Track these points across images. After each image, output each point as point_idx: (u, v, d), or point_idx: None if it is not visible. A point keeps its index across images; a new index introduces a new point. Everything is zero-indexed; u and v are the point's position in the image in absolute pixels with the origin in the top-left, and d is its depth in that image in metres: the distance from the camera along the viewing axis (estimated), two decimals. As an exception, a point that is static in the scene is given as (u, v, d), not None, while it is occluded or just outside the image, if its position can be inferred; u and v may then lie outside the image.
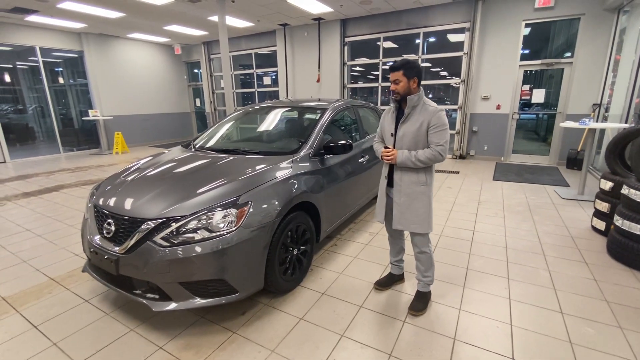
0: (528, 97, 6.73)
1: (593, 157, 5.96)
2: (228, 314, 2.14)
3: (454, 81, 7.48)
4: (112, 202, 2.11)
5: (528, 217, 3.84)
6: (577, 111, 6.21)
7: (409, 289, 2.43)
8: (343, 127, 3.57)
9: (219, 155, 2.68)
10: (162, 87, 10.88)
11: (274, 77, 9.96)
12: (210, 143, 3.13)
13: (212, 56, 10.79)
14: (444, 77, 8.28)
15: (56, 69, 8.94)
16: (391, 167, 2.13)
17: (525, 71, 6.68)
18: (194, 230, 1.85)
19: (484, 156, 7.29)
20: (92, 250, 2.03)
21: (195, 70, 11.78)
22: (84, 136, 9.54)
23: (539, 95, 6.60)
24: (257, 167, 2.34)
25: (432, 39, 7.48)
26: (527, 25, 6.46)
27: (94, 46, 8.93)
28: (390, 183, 2.16)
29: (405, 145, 2.03)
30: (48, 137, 8.87)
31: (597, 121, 5.88)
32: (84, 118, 9.19)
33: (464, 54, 6.97)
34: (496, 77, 6.80)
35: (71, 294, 2.41)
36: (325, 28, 8.24)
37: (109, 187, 2.32)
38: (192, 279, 1.83)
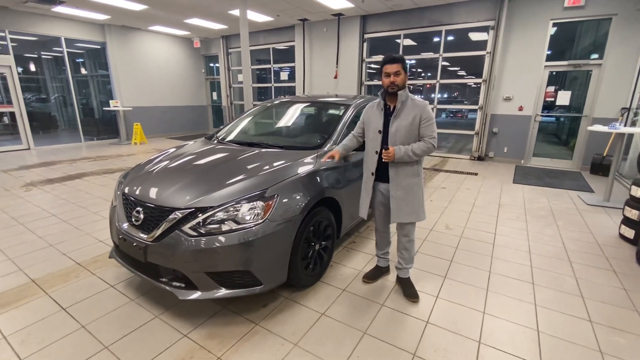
0: (552, 99, 6.54)
1: (619, 163, 5.76)
2: (250, 306, 2.16)
3: (474, 81, 7.32)
4: (141, 190, 2.14)
5: (551, 222, 3.74)
6: (605, 115, 6.00)
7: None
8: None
9: (244, 148, 2.69)
10: (180, 80, 11.02)
11: (289, 72, 9.96)
12: (234, 136, 3.14)
13: (230, 50, 10.85)
14: (461, 77, 8.13)
15: (78, 60, 9.14)
16: (381, 164, 2.15)
17: (550, 72, 6.49)
18: (222, 222, 1.86)
19: (503, 158, 7.13)
20: (120, 237, 2.07)
21: (211, 65, 11.86)
22: (104, 126, 9.75)
23: (564, 98, 6.41)
24: (282, 161, 2.34)
25: (452, 38, 7.33)
26: (554, 25, 6.27)
27: (116, 38, 9.09)
28: (380, 178, 2.19)
29: (399, 141, 2.07)
30: (70, 126, 9.11)
31: (625, 126, 5.67)
32: (104, 108, 9.39)
33: (487, 52, 6.82)
34: (519, 77, 6.62)
35: (97, 279, 2.47)
36: (345, 24, 8.17)
37: (137, 176, 2.35)
38: (218, 269, 1.85)
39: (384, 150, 2.07)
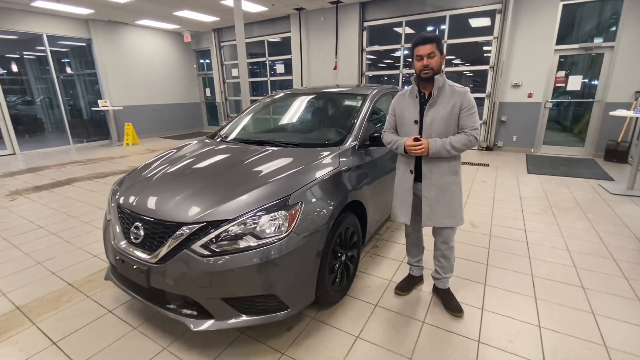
0: (563, 84, 6.29)
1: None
2: (272, 330, 1.87)
3: (480, 68, 7.02)
4: (139, 201, 1.83)
5: (581, 214, 3.51)
6: (618, 99, 5.77)
7: (456, 294, 2.13)
8: (377, 116, 3.24)
9: (254, 147, 2.38)
10: (171, 76, 10.56)
11: (285, 65, 9.56)
12: (240, 134, 2.83)
13: (222, 44, 10.40)
14: (464, 65, 7.83)
15: (63, 59, 8.64)
16: (417, 160, 1.88)
17: (560, 57, 6.23)
18: (239, 237, 1.56)
19: (512, 147, 6.90)
20: (118, 258, 1.76)
21: (202, 61, 11.39)
22: (94, 127, 9.30)
23: (575, 83, 6.17)
24: (301, 162, 2.04)
25: (455, 24, 7.00)
26: (563, 7, 5.98)
27: (102, 34, 8.60)
28: (417, 177, 1.91)
29: (435, 133, 1.81)
30: (57, 129, 8.64)
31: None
32: (93, 108, 8.93)
33: (494, 38, 6.53)
34: (528, 63, 6.36)
35: (92, 303, 2.16)
36: (344, 12, 7.81)
37: (134, 184, 2.04)
38: (237, 294, 1.56)
39: (412, 140, 1.78)
